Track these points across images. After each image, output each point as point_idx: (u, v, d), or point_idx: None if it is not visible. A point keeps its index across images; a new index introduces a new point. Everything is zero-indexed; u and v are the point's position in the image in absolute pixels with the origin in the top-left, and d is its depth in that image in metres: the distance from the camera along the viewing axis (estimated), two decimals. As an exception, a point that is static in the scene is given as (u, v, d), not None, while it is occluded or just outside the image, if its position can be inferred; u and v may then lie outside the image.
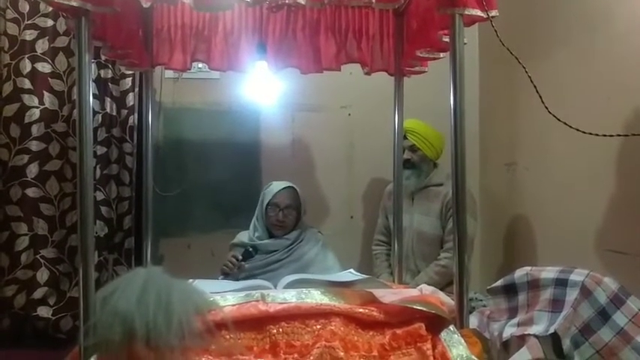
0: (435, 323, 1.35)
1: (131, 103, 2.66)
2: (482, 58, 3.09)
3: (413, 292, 1.57)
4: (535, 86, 1.50)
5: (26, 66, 2.49)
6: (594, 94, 2.08)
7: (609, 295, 1.37)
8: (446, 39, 1.60)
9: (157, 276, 1.29)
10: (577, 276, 1.41)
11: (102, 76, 2.62)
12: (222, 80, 2.89)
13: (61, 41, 2.55)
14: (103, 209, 2.58)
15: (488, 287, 1.60)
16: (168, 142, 2.94)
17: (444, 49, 1.78)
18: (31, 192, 2.48)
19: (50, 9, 2.46)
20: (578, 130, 1.51)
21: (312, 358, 1.23)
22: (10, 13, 2.49)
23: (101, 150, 2.59)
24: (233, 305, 1.33)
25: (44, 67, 2.52)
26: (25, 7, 2.50)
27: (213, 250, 2.86)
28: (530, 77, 1.51)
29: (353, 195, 3.11)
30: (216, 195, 2.94)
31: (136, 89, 2.65)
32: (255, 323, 1.30)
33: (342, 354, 1.24)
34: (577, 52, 2.22)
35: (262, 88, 2.89)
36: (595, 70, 2.10)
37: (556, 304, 1.40)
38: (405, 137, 2.49)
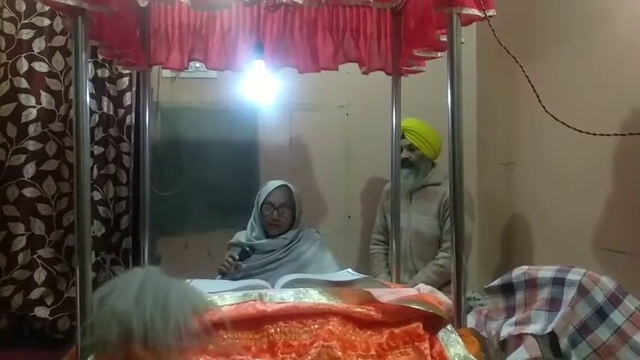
0: (433, 322, 1.35)
1: (128, 103, 2.65)
2: (479, 57, 3.08)
3: (411, 292, 1.57)
4: (532, 86, 1.50)
5: (23, 65, 2.48)
6: (592, 94, 2.08)
7: (606, 294, 1.37)
8: (443, 38, 1.60)
9: (155, 276, 1.29)
10: (574, 275, 1.41)
11: (99, 75, 2.60)
12: (220, 80, 2.89)
13: (58, 40, 2.53)
14: (101, 209, 2.57)
15: (486, 286, 1.61)
16: (166, 142, 2.94)
17: (441, 49, 1.78)
18: (28, 192, 2.47)
19: (47, 8, 2.45)
20: (575, 129, 1.52)
21: (309, 357, 1.23)
22: (7, 12, 2.47)
23: (98, 150, 2.58)
24: (230, 305, 1.33)
25: (41, 67, 2.51)
26: (21, 7, 2.49)
27: (210, 250, 2.86)
28: (527, 77, 1.51)
29: (351, 194, 3.11)
30: (214, 194, 2.93)
31: (134, 89, 2.64)
32: (253, 323, 1.30)
33: (339, 353, 1.24)
34: (575, 52, 2.22)
35: (260, 88, 2.90)
36: (593, 70, 2.11)
37: (553, 303, 1.41)
38: (402, 136, 2.49)
